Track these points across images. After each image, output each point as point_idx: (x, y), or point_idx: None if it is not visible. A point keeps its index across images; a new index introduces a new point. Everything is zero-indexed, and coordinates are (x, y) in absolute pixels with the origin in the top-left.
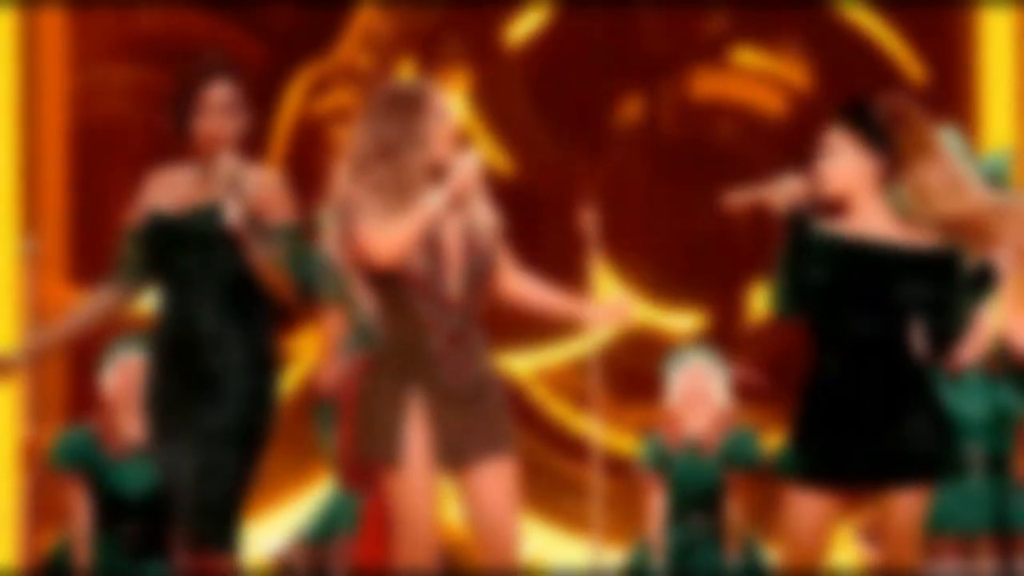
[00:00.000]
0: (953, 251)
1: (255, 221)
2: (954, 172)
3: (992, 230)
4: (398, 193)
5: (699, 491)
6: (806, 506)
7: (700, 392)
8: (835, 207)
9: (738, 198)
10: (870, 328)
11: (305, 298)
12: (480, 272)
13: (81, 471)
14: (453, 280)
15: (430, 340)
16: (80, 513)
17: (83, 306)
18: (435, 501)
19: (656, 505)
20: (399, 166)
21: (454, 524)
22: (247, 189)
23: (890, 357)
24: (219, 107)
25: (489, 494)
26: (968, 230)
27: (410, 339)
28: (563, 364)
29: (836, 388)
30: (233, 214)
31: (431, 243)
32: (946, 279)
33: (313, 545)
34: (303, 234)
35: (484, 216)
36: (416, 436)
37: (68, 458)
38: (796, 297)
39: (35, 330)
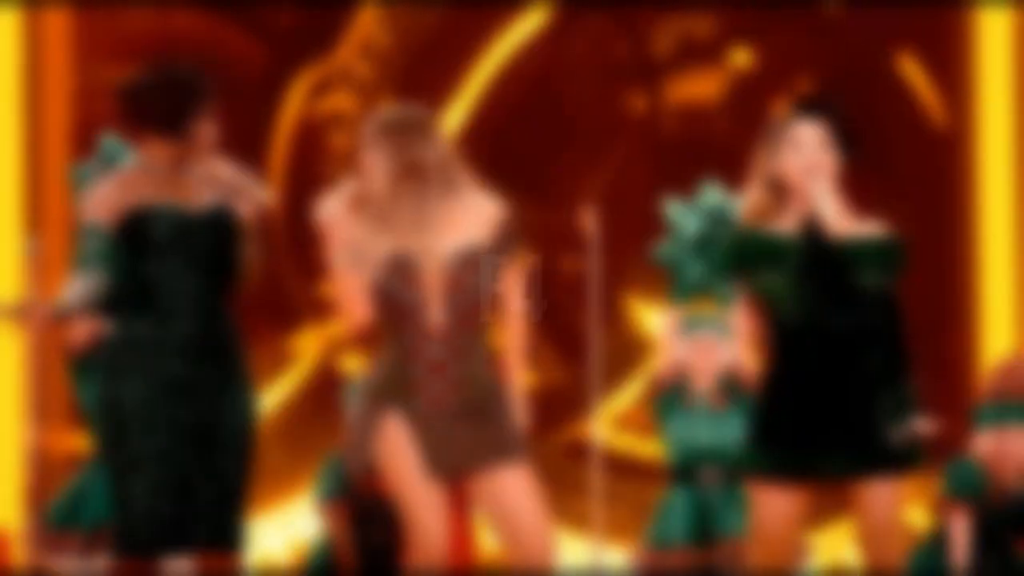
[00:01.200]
0: (901, 240)
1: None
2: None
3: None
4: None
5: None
6: (773, 502)
7: (708, 355)
8: (793, 197)
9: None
10: (831, 321)
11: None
12: (469, 301)
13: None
14: (435, 310)
15: (410, 367)
16: None
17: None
18: (435, 510)
19: None
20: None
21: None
22: (252, 188)
23: (852, 348)
24: (214, 117)
25: (511, 498)
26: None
27: (397, 363)
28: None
29: (797, 382)
30: (249, 204)
31: (409, 273)
32: (896, 268)
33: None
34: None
35: (480, 242)
36: (400, 451)
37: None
38: (736, 264)
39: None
